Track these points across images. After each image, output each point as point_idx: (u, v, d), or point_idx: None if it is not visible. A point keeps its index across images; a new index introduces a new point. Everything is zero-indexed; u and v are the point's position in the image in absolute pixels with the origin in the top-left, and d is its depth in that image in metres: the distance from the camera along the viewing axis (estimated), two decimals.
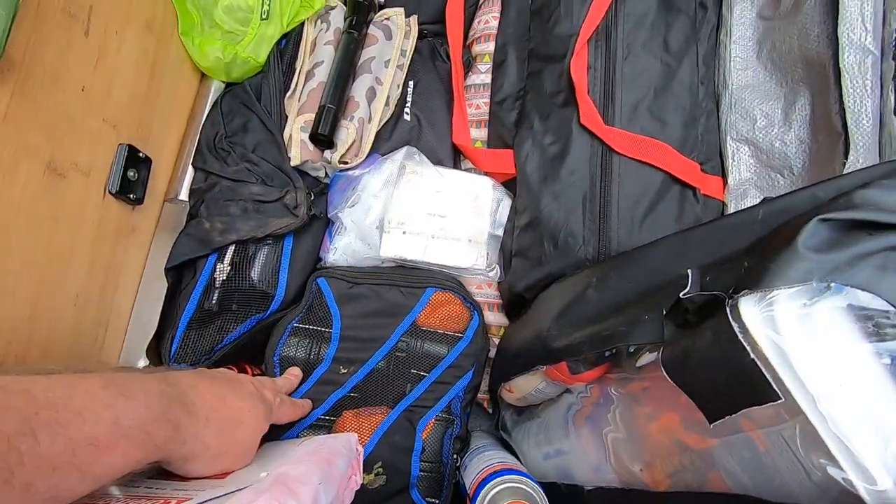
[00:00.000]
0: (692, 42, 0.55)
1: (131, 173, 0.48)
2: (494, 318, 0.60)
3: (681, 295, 0.27)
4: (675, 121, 0.52)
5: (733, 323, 0.25)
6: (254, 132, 0.55)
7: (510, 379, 0.47)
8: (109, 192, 0.46)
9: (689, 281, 0.27)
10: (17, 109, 0.36)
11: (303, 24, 0.62)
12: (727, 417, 0.25)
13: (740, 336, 0.24)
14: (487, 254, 0.57)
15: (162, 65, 0.53)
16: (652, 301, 0.33)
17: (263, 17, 0.60)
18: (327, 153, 0.54)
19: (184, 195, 0.56)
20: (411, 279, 0.55)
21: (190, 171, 0.57)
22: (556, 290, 0.47)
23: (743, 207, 0.50)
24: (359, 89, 0.57)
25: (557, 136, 0.54)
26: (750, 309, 0.25)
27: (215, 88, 0.61)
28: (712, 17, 0.57)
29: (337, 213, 0.58)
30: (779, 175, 0.49)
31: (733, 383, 0.25)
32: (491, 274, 0.58)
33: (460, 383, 0.53)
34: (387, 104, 0.60)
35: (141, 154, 0.50)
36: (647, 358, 0.34)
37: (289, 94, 0.58)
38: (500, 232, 0.59)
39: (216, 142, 0.55)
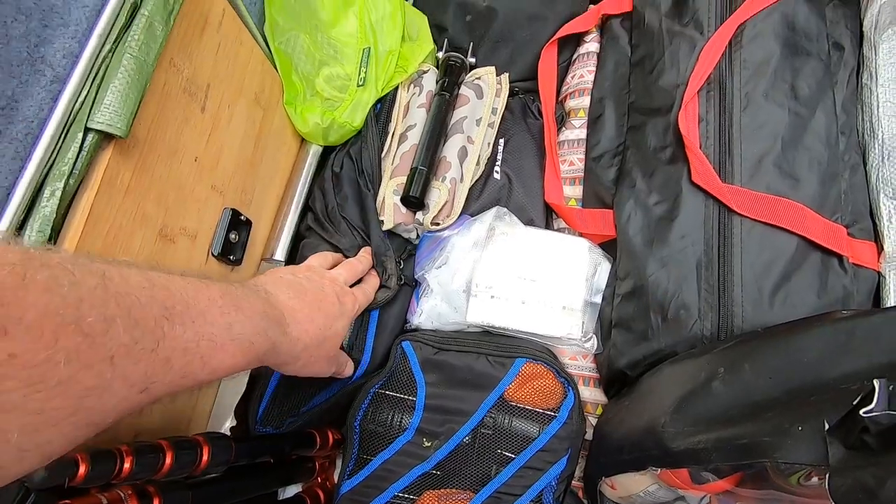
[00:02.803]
0: (826, 87, 0.48)
1: (233, 235, 0.50)
2: (591, 395, 0.54)
3: (862, 412, 0.21)
4: (811, 177, 0.45)
5: None
6: (356, 202, 0.56)
7: (613, 475, 0.41)
8: (212, 254, 0.48)
9: (876, 395, 0.21)
10: (138, 182, 0.39)
11: (396, 87, 0.63)
12: None
13: None
14: (583, 322, 0.52)
15: (266, 133, 0.56)
16: (807, 408, 0.26)
17: (360, 83, 0.62)
18: (419, 215, 0.54)
19: (279, 255, 0.57)
20: (500, 348, 0.51)
21: (286, 231, 0.59)
22: (670, 373, 0.41)
23: None
24: (451, 149, 0.56)
25: (664, 196, 0.49)
26: None
27: (313, 152, 0.64)
28: (850, 59, 0.50)
29: (423, 273, 0.56)
30: None
31: None
32: (587, 345, 0.52)
33: (553, 470, 0.47)
34: (477, 163, 0.58)
35: (242, 217, 0.52)
36: (812, 479, 0.27)
37: (384, 153, 0.59)
38: (598, 299, 0.53)
39: (329, 211, 0.57)
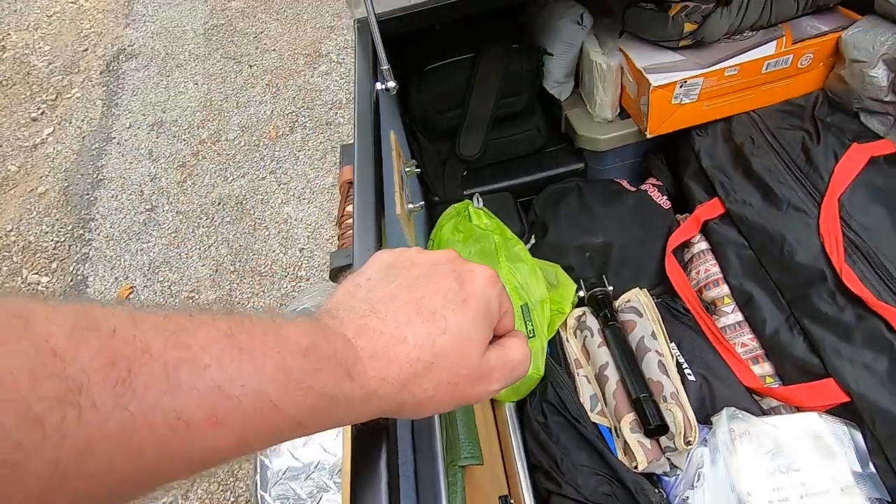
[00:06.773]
0: None
1: None
2: None
3: None
4: None
5: None
6: (580, 447, 0.59)
7: None
8: None
9: None
10: None
11: (558, 329, 0.71)
12: None
13: None
14: (869, 499, 0.51)
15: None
16: None
17: (531, 335, 0.70)
18: (665, 441, 0.55)
19: None
20: None
21: (527, 499, 0.59)
22: None
23: None
24: (652, 369, 0.61)
25: (878, 350, 0.54)
26: None
27: (508, 408, 0.68)
28: None
29: (681, 497, 0.55)
30: None
31: None
32: None
33: None
34: (676, 373, 0.62)
35: (510, 500, 0.53)
36: None
37: (580, 395, 0.63)
38: (861, 467, 0.53)
39: (559, 464, 0.58)
